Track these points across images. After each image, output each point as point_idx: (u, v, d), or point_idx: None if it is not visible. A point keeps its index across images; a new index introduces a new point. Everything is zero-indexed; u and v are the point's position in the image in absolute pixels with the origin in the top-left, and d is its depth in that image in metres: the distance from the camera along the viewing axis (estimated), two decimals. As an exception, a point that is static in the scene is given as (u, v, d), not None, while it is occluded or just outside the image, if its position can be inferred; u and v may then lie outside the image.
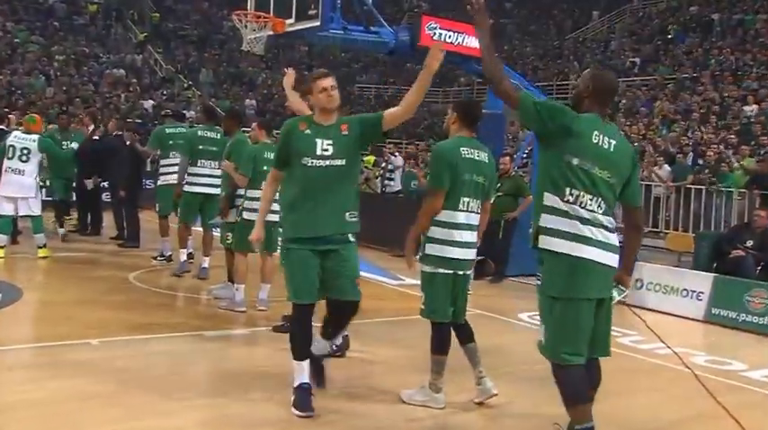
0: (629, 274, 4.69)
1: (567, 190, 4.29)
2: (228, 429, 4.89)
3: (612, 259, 4.39)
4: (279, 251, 6.51)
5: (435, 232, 5.35)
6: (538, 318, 4.53)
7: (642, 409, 5.88)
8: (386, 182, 18.70)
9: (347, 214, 5.26)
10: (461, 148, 5.40)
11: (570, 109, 4.41)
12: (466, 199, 5.38)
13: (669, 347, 6.35)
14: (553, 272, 4.35)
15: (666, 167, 16.46)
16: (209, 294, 9.00)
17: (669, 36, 31.25)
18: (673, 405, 5.55)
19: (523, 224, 10.44)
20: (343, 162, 5.15)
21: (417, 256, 5.47)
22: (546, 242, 4.36)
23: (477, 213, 5.51)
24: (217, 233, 9.51)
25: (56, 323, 7.50)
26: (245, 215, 8.08)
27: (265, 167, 7.91)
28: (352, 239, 5.33)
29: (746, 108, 21.72)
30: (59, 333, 6.93)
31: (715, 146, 17.92)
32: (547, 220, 4.36)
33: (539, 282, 4.50)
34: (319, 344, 5.52)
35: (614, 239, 4.40)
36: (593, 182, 4.30)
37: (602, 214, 4.34)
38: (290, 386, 5.36)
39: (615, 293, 4.57)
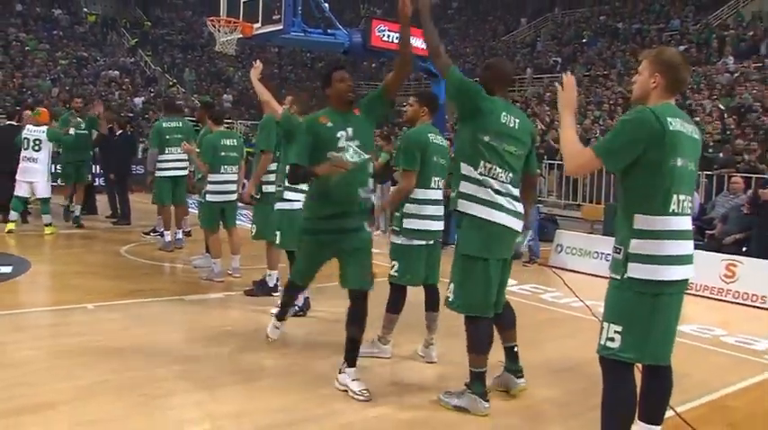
0: (527, 221, 4.65)
1: (482, 163, 4.30)
2: (201, 378, 4.84)
3: (518, 225, 4.44)
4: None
5: (411, 208, 5.28)
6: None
7: (556, 353, 5.97)
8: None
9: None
10: (429, 134, 5.35)
11: (480, 89, 4.40)
12: (435, 178, 5.34)
13: (581, 300, 6.45)
14: (469, 233, 4.33)
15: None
16: (188, 264, 8.91)
17: (584, 40, 31.76)
18: (582, 348, 5.60)
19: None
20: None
21: (390, 229, 5.42)
22: (464, 206, 4.35)
23: (442, 190, 5.46)
24: (194, 210, 9.40)
25: (58, 290, 7.45)
26: (208, 197, 8.00)
27: (223, 153, 7.93)
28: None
29: (647, 101, 21.99)
30: (61, 299, 6.90)
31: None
32: (465, 187, 4.35)
33: (456, 244, 4.49)
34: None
35: (520, 207, 4.45)
36: (502, 156, 4.32)
37: (511, 184, 4.38)
38: (258, 342, 5.38)
39: (521, 238, 4.62)
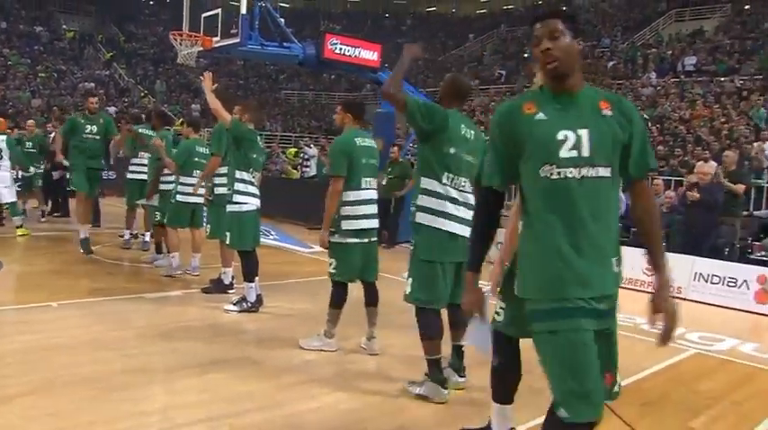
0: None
1: (445, 174, 4.30)
2: (157, 371, 4.73)
3: (468, 232, 4.40)
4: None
5: (346, 210, 5.21)
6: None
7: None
8: (303, 169, 18.45)
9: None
10: (356, 138, 5.29)
11: (440, 107, 4.37)
12: (367, 178, 5.29)
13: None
14: (426, 242, 4.37)
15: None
16: (150, 264, 8.73)
17: (525, 55, 32.02)
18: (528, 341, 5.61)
19: (408, 200, 10.44)
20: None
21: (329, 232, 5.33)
22: (422, 218, 4.37)
23: (375, 189, 5.42)
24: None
25: (26, 290, 7.18)
26: (179, 197, 7.88)
27: (196, 159, 7.82)
28: None
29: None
30: (27, 298, 6.63)
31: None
32: (424, 201, 4.36)
33: (412, 247, 4.50)
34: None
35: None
36: (463, 165, 4.33)
37: (468, 192, 4.39)
38: (213, 336, 5.28)
39: None
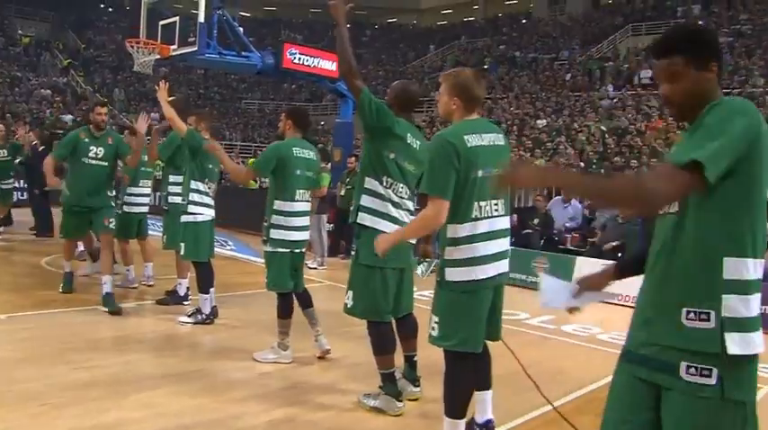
0: (430, 245, 4.63)
1: (385, 178, 4.23)
2: (107, 384, 4.58)
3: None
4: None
5: (279, 220, 5.16)
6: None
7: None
8: (262, 179, 18.13)
9: None
10: (294, 148, 5.22)
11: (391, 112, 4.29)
12: (301, 190, 5.22)
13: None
14: (368, 245, 4.17)
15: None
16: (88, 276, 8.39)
17: (485, 67, 32.26)
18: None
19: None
20: None
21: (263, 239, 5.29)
22: (364, 219, 4.25)
23: (308, 202, 5.35)
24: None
25: (-27, 302, 6.95)
26: (126, 208, 7.79)
27: (143, 168, 7.87)
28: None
29: (538, 122, 22.58)
30: (-25, 311, 6.41)
31: (517, 149, 18.44)
32: (366, 201, 4.26)
33: (353, 254, 4.39)
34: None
35: None
36: (404, 173, 4.27)
37: (408, 199, 4.33)
38: (167, 349, 5.17)
39: (423, 267, 4.57)
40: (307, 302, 5.47)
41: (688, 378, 2.02)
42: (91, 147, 6.86)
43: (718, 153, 1.93)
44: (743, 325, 2.01)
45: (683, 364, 2.03)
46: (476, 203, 3.42)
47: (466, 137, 3.39)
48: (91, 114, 7.10)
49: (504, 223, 3.59)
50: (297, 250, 5.30)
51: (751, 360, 2.03)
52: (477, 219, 3.43)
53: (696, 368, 2.01)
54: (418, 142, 4.39)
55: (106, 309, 6.53)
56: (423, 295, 8.36)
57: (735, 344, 1.98)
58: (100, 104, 7.30)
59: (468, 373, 3.58)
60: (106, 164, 6.92)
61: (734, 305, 2.00)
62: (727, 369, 1.99)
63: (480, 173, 3.39)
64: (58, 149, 7.16)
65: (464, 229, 3.42)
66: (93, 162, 6.86)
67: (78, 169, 6.84)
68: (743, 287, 2.02)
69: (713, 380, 1.99)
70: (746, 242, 2.02)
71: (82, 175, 6.83)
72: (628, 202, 2.17)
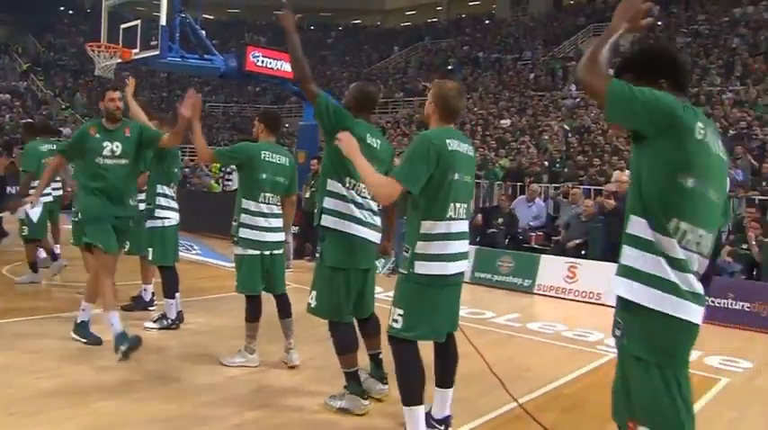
0: (390, 242, 4.77)
1: (347, 179, 4.25)
2: (74, 393, 4.52)
3: (376, 237, 4.42)
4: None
5: (245, 218, 5.15)
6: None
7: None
8: (225, 182, 18.20)
9: None
10: (264, 151, 5.19)
11: (349, 114, 4.30)
12: (266, 194, 5.19)
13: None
14: (332, 247, 4.27)
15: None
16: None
17: (450, 67, 32.58)
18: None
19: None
20: None
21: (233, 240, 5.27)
22: (327, 221, 4.27)
23: (277, 205, 5.30)
24: (68, 226, 8.59)
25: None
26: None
27: None
28: None
29: (502, 122, 22.77)
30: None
31: (481, 149, 18.61)
32: (329, 203, 4.28)
33: (318, 256, 4.42)
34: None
35: (378, 221, 4.44)
36: None
37: (371, 199, 4.33)
38: (133, 354, 5.12)
39: (381, 263, 4.61)
40: (286, 311, 5.41)
41: None
42: (105, 144, 5.48)
43: None
44: None
45: None
46: (452, 204, 3.64)
47: (448, 140, 3.62)
48: (101, 103, 5.65)
49: (466, 226, 3.81)
50: (267, 252, 5.24)
51: None
52: (451, 218, 3.65)
53: None
54: (378, 142, 4.41)
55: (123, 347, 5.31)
56: (383, 295, 8.45)
57: None
58: (112, 89, 5.71)
59: (417, 359, 3.72)
60: (126, 161, 5.58)
61: None
62: None
63: (456, 176, 3.62)
64: (62, 145, 6.22)
65: (440, 227, 3.62)
66: (110, 162, 5.49)
67: (92, 172, 5.53)
68: None
69: None
70: None
71: (97, 179, 5.51)
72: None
